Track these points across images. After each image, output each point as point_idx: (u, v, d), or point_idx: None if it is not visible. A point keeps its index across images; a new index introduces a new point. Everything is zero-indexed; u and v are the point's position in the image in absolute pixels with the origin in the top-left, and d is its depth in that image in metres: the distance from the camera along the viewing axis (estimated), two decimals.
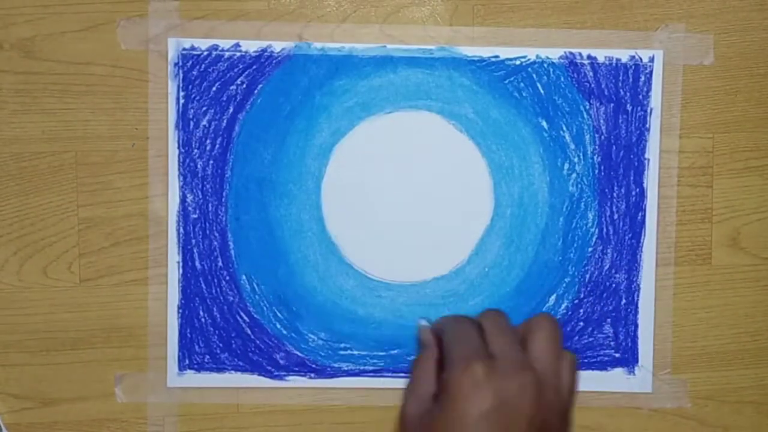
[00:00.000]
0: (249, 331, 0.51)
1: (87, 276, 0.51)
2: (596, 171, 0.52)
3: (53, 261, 0.51)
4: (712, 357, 0.53)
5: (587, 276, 0.52)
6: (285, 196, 0.51)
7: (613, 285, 0.52)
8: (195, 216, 0.51)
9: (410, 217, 0.52)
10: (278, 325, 0.52)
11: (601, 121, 0.52)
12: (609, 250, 0.52)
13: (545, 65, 0.51)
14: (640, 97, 0.52)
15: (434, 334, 0.44)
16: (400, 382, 0.52)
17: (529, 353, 0.42)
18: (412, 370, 0.43)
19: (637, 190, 0.52)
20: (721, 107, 0.52)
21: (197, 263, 0.51)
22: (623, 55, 0.51)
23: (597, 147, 0.52)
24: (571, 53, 0.51)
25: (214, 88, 0.51)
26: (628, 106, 0.52)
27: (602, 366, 0.52)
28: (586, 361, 0.52)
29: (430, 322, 0.46)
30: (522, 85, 0.51)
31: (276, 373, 0.52)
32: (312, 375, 0.52)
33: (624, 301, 0.52)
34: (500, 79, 0.51)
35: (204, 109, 0.51)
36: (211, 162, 0.51)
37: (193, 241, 0.51)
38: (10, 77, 0.50)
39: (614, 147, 0.52)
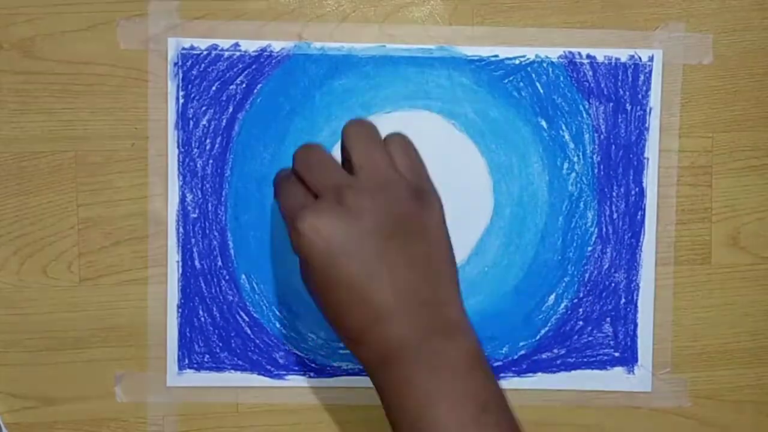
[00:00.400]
0: (248, 331, 0.51)
1: (87, 275, 0.51)
2: (596, 170, 0.52)
3: (53, 260, 0.51)
4: (712, 356, 0.53)
5: (587, 275, 0.52)
6: None
7: (613, 284, 0.52)
8: (194, 215, 0.51)
9: None
10: (278, 325, 0.52)
11: (601, 120, 0.52)
12: (608, 250, 0.52)
13: (544, 65, 0.51)
14: (640, 96, 0.52)
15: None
16: None
17: (353, 165, 0.41)
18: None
19: (637, 189, 0.52)
20: (721, 107, 0.52)
21: (197, 263, 0.51)
22: (622, 54, 0.51)
23: (596, 146, 0.52)
24: (570, 53, 0.51)
25: (213, 88, 0.51)
26: (627, 105, 0.52)
27: (602, 365, 0.52)
28: (585, 360, 0.52)
29: None
30: (521, 84, 0.51)
31: (276, 373, 0.52)
32: (311, 374, 0.52)
33: (623, 300, 0.52)
34: (500, 78, 0.51)
35: (204, 108, 0.51)
36: (211, 161, 0.51)
37: (193, 240, 0.51)
38: (10, 77, 0.51)
39: (614, 146, 0.52)
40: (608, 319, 0.52)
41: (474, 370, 0.39)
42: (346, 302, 0.40)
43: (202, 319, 0.51)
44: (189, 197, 0.51)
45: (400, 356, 0.39)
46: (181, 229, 0.51)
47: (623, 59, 0.51)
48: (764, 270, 0.53)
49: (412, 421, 0.39)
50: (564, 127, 0.52)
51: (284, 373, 0.52)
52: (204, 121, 0.51)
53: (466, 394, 0.39)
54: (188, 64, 0.51)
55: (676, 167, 0.52)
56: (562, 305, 0.52)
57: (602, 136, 0.52)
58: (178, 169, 0.51)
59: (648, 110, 0.52)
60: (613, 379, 0.52)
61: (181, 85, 0.51)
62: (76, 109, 0.51)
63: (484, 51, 0.51)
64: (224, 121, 0.51)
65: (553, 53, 0.51)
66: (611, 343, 0.52)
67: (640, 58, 0.51)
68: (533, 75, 0.51)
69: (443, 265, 0.42)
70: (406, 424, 0.39)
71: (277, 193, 0.44)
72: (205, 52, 0.51)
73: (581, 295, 0.52)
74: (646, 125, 0.52)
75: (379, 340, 0.40)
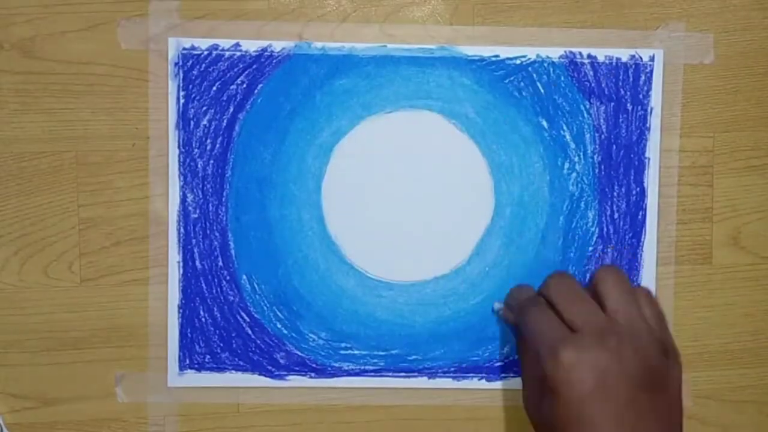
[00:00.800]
0: (249, 331, 0.51)
1: (87, 276, 0.51)
2: (596, 170, 0.52)
3: (54, 261, 0.51)
4: (713, 356, 0.53)
5: (588, 275, 0.52)
6: (285, 196, 0.51)
7: None
8: (195, 216, 0.51)
9: (411, 217, 0.52)
10: (279, 325, 0.52)
11: (602, 120, 0.52)
12: (609, 250, 0.52)
13: (545, 65, 0.51)
14: (641, 96, 0.52)
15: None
16: (400, 382, 0.52)
17: (606, 308, 0.43)
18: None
19: (638, 189, 0.52)
20: (722, 106, 0.52)
21: (198, 263, 0.51)
22: (623, 54, 0.51)
23: (597, 146, 0.52)
24: (571, 52, 0.51)
25: (214, 88, 0.51)
26: (628, 105, 0.52)
27: None
28: None
29: (500, 303, 0.49)
30: (522, 84, 0.51)
31: (276, 373, 0.52)
32: (312, 375, 0.52)
33: None
34: (500, 78, 0.51)
35: (204, 108, 0.51)
36: (212, 162, 0.51)
37: (194, 240, 0.51)
38: (11, 77, 0.50)
39: (614, 146, 0.52)
40: None
41: None
42: None
43: (203, 319, 0.51)
44: (190, 197, 0.51)
45: None
46: (181, 230, 0.51)
47: (624, 59, 0.51)
48: (765, 270, 0.53)
49: None
50: (565, 127, 0.52)
51: (285, 373, 0.52)
52: (205, 121, 0.51)
53: None
54: (189, 64, 0.51)
55: (677, 167, 0.52)
56: None
57: (603, 136, 0.52)
58: (179, 169, 0.51)
59: (649, 110, 0.52)
60: None
61: (181, 85, 0.51)
62: (77, 110, 0.51)
63: (485, 51, 0.51)
64: (225, 121, 0.51)
65: (554, 53, 0.51)
66: None
67: (640, 58, 0.51)
68: (534, 75, 0.51)
69: (678, 425, 0.43)
70: None
71: (521, 312, 0.46)
72: (205, 52, 0.51)
73: None
74: (647, 125, 0.52)
75: None
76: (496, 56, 0.51)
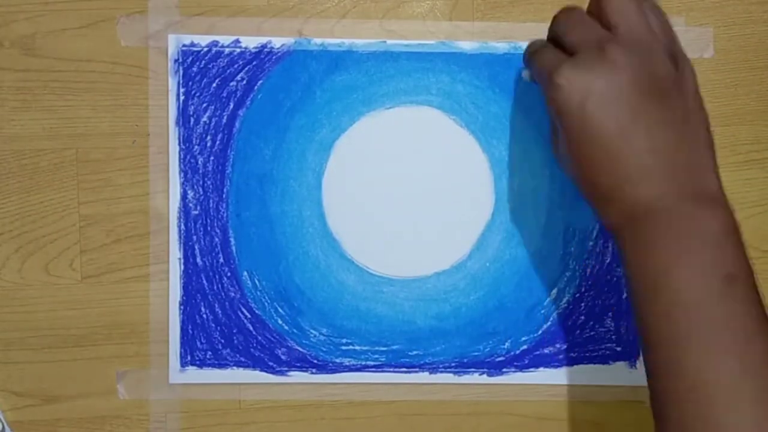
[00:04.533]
0: (251, 327, 0.52)
1: (88, 273, 0.51)
2: None
3: (54, 258, 0.51)
4: None
5: (588, 270, 0.52)
6: (286, 192, 0.51)
7: (614, 279, 0.52)
8: (196, 212, 0.51)
9: (411, 213, 0.52)
10: (280, 321, 0.52)
11: None
12: (610, 244, 0.52)
13: None
14: None
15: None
16: (401, 377, 0.52)
17: (610, 23, 0.41)
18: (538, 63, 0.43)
19: None
20: (722, 100, 0.52)
21: (198, 260, 0.51)
22: None
23: None
24: None
25: (214, 85, 0.51)
26: None
27: (604, 360, 0.52)
28: (587, 355, 0.52)
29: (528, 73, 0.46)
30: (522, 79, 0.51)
31: (278, 369, 0.52)
32: (314, 370, 0.52)
33: (625, 294, 0.52)
34: (500, 73, 0.51)
35: (204, 105, 0.51)
36: (212, 158, 0.51)
37: (194, 237, 0.51)
38: (11, 75, 0.51)
39: None
40: (610, 314, 0.52)
41: (725, 242, 0.39)
42: (598, 159, 0.39)
43: (204, 315, 0.51)
44: (190, 194, 0.51)
45: (648, 218, 0.39)
46: (182, 226, 0.51)
47: None
48: (766, 264, 0.53)
49: (653, 284, 0.38)
50: None
51: (286, 369, 0.52)
52: (205, 118, 0.51)
53: (714, 263, 0.38)
54: (188, 60, 0.51)
55: None
56: (564, 300, 0.52)
57: None
58: (180, 166, 0.51)
59: None
60: (615, 374, 0.52)
61: (181, 81, 0.51)
62: (77, 107, 0.51)
63: (485, 46, 0.51)
64: (225, 117, 0.51)
65: None
66: (613, 337, 0.52)
67: None
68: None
69: (701, 131, 0.41)
70: (645, 287, 0.39)
71: (530, 60, 0.44)
72: (205, 49, 0.51)
73: (583, 289, 0.52)
74: None
75: (629, 200, 0.39)
76: (496, 52, 0.51)
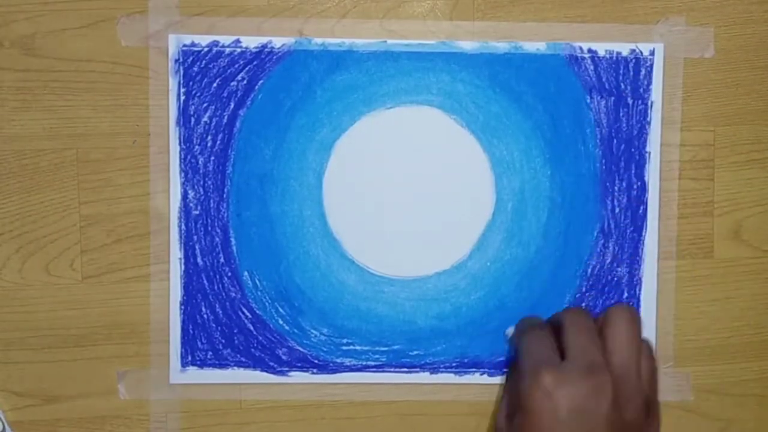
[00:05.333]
0: (251, 327, 0.52)
1: (89, 273, 0.51)
2: (597, 165, 0.52)
3: (55, 258, 0.51)
4: (715, 350, 0.53)
5: (589, 270, 0.52)
6: (286, 192, 0.51)
7: (615, 279, 0.52)
8: (196, 212, 0.51)
9: (412, 212, 0.52)
10: (280, 321, 0.52)
11: (602, 114, 0.52)
12: (610, 244, 0.52)
13: (546, 59, 0.51)
14: (641, 90, 0.52)
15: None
16: (402, 377, 0.52)
17: (606, 348, 0.43)
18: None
19: (639, 183, 0.52)
20: (722, 100, 0.52)
21: (199, 260, 0.51)
22: (624, 48, 0.51)
23: (598, 141, 0.52)
24: (571, 47, 0.51)
25: (214, 85, 0.51)
26: (628, 99, 0.52)
27: None
28: None
29: (512, 329, 0.50)
30: (523, 79, 0.51)
31: (278, 369, 0.52)
32: (314, 370, 0.52)
33: (626, 294, 0.52)
34: (501, 73, 0.51)
35: (205, 105, 0.51)
36: (213, 158, 0.51)
37: (195, 237, 0.51)
38: (11, 75, 0.50)
39: (615, 140, 0.52)
40: None
41: None
42: None
43: (205, 316, 0.51)
44: (191, 194, 0.51)
45: None
46: (183, 226, 0.51)
47: (624, 53, 0.51)
48: (767, 263, 0.53)
49: None
50: (565, 122, 0.52)
51: (287, 369, 0.52)
52: (205, 118, 0.51)
53: None
54: (189, 60, 0.51)
55: (677, 161, 0.52)
56: (565, 300, 0.52)
57: (604, 131, 0.52)
58: (180, 166, 0.51)
59: (649, 104, 0.52)
60: None
61: (182, 81, 0.51)
62: (77, 107, 0.51)
63: (485, 46, 0.51)
64: (225, 117, 0.51)
65: (554, 48, 0.51)
66: None
67: (641, 52, 0.51)
68: (534, 70, 0.51)
69: None
70: None
71: (519, 339, 0.46)
72: (205, 49, 0.51)
73: (584, 289, 0.52)
74: (648, 119, 0.52)
75: None
76: (496, 51, 0.51)
